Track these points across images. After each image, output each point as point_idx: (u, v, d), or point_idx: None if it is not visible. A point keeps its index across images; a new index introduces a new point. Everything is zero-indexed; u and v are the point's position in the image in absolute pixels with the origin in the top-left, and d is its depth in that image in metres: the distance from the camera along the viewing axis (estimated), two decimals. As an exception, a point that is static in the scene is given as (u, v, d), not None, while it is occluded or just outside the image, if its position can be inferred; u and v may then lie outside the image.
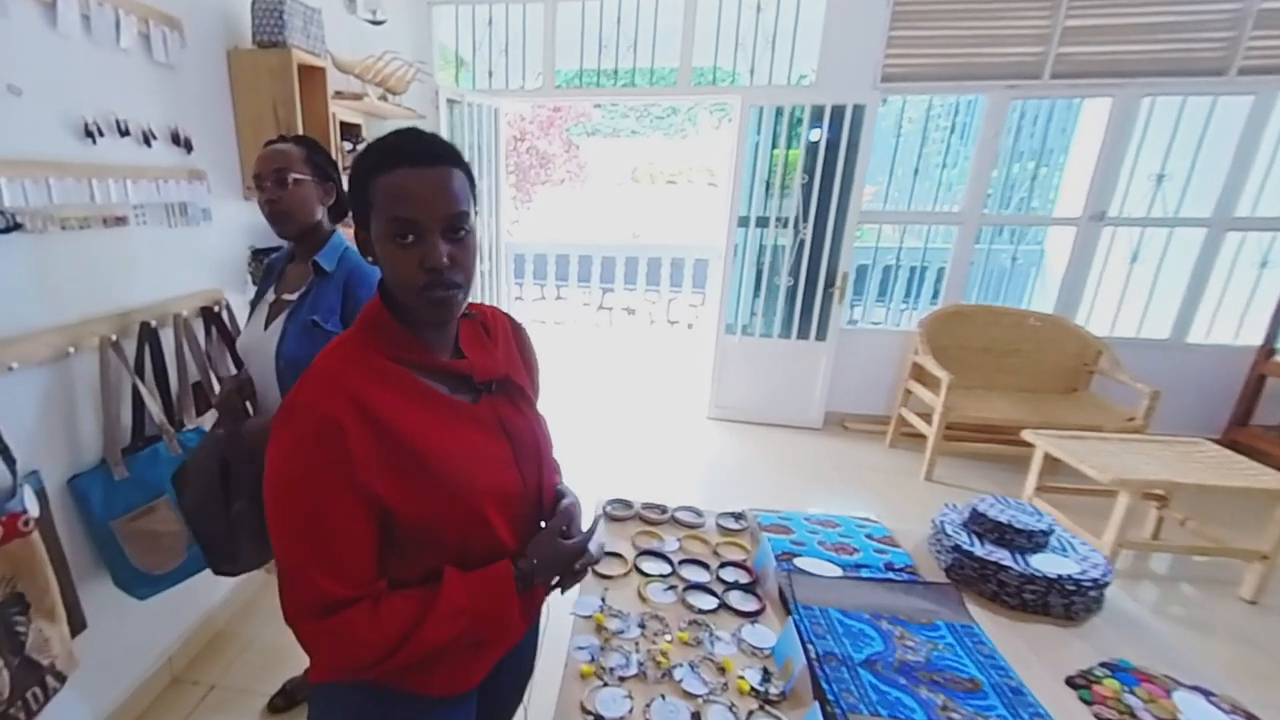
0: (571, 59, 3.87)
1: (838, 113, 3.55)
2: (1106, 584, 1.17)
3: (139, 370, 1.62)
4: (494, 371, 0.85)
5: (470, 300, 0.83)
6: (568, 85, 4.18)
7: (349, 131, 2.43)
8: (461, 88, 3.90)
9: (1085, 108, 3.92)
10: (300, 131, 1.94)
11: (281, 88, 1.91)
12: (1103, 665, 1.01)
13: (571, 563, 0.86)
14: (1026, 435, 2.81)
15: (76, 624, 1.44)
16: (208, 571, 1.59)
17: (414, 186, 0.70)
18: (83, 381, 1.50)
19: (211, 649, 1.99)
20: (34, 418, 1.40)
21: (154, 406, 1.62)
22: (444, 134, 3.50)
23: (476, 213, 0.79)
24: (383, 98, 2.60)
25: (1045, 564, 1.19)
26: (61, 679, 1.36)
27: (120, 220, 1.57)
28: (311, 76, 2.06)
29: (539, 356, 1.04)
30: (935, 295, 4.51)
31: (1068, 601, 1.14)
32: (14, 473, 1.31)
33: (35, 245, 1.37)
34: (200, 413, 1.80)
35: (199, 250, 1.85)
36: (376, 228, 0.73)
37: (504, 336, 0.94)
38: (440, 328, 0.80)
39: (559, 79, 3.86)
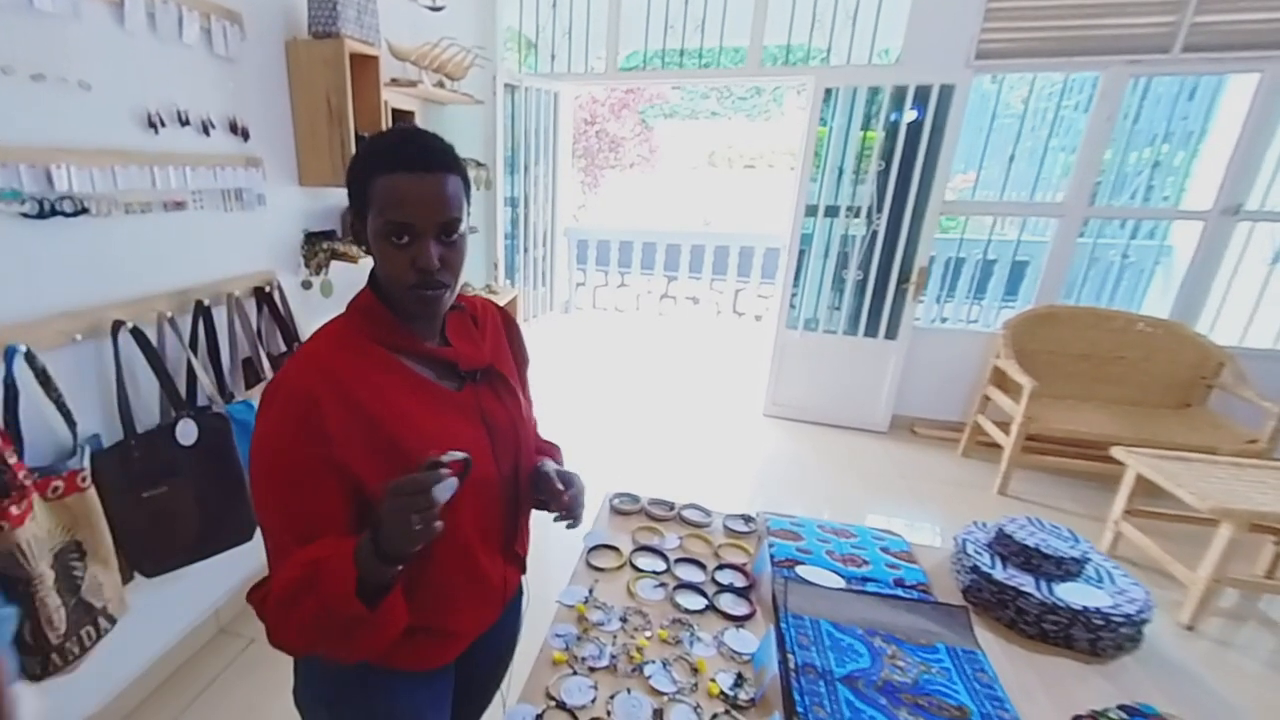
0: (637, 40, 3.80)
1: (922, 94, 3.27)
2: (1144, 621, 1.03)
3: (193, 345, 1.74)
4: (478, 361, 0.87)
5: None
6: (633, 68, 4.12)
7: (401, 118, 2.49)
8: (523, 72, 3.91)
9: (1225, 85, 3.40)
10: (350, 119, 2.02)
11: (334, 77, 1.98)
12: (1121, 708, 0.90)
13: (406, 506, 0.63)
14: (1116, 453, 2.52)
15: (126, 574, 1.58)
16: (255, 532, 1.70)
17: (411, 192, 0.72)
18: (140, 355, 1.61)
19: (256, 605, 2.12)
20: (94, 386, 1.54)
21: (205, 379, 1.74)
22: (501, 119, 3.53)
23: (469, 215, 0.81)
24: (439, 84, 2.65)
25: (1072, 594, 1.08)
26: (112, 621, 1.50)
27: (179, 205, 1.69)
28: (364, 65, 2.12)
29: (529, 348, 1.06)
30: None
31: (1093, 636, 1.03)
32: (75, 435, 1.44)
33: (100, 228, 1.50)
34: (249, 386, 1.92)
35: (253, 233, 1.96)
36: (373, 225, 0.75)
37: (493, 328, 0.96)
38: (426, 321, 0.83)
39: (626, 61, 3.81)
